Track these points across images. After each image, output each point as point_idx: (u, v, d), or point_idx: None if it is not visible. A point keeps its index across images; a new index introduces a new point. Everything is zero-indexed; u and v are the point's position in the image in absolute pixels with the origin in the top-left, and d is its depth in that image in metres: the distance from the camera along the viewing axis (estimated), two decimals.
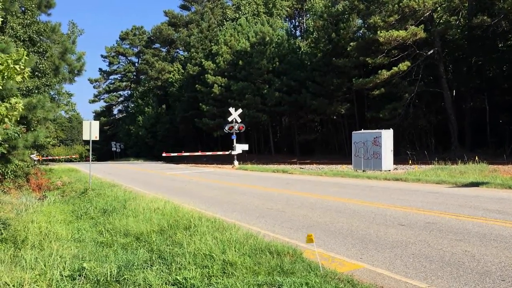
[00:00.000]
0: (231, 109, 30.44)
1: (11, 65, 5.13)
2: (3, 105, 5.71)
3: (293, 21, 56.67)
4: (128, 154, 64.94)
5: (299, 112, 38.14)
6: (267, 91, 36.61)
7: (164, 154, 33.80)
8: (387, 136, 19.73)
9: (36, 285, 4.44)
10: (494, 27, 24.68)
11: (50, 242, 6.58)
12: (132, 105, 70.14)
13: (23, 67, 5.35)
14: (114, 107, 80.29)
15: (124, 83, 76.42)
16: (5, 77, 5.18)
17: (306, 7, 47.39)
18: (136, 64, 74.72)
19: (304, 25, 51.37)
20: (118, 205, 10.07)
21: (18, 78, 5.36)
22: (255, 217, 8.74)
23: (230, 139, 31.13)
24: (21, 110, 5.97)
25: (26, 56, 5.50)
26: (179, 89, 51.02)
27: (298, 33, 52.88)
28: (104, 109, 79.81)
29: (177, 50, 64.08)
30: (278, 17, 46.19)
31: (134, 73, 75.23)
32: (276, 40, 38.96)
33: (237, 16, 45.39)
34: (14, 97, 6.10)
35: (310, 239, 4.85)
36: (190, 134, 52.04)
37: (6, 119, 5.85)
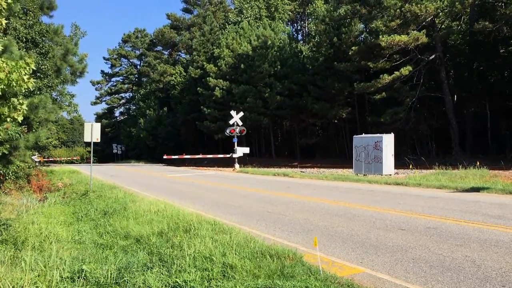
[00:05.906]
0: (233, 112, 30.49)
1: (21, 75, 5.15)
2: (6, 106, 5.71)
3: (295, 25, 56.81)
4: (130, 156, 64.98)
5: (300, 116, 38.17)
6: (269, 94, 36.66)
7: (165, 157, 33.76)
8: (388, 141, 19.73)
9: (36, 287, 4.44)
10: (495, 33, 24.71)
11: (51, 244, 6.58)
12: (134, 107, 70.30)
13: (28, 73, 5.37)
14: (115, 109, 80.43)
15: (126, 85, 76.57)
16: (15, 84, 5.19)
17: (308, 11, 47.45)
18: (138, 67, 74.85)
19: (306, 29, 51.47)
20: (119, 207, 10.08)
21: (25, 86, 5.37)
22: (256, 220, 8.73)
23: (231, 142, 31.16)
24: (24, 111, 5.95)
25: (29, 57, 5.52)
26: (180, 92, 51.12)
27: (300, 37, 52.99)
28: (106, 111, 79.93)
29: (179, 53, 64.18)
30: (280, 21, 46.31)
31: (136, 76, 75.35)
32: (278, 43, 39.05)
33: (239, 20, 45.45)
34: (17, 98, 6.09)
35: (316, 243, 4.96)
36: (192, 136, 52.08)
37: (8, 119, 5.83)
